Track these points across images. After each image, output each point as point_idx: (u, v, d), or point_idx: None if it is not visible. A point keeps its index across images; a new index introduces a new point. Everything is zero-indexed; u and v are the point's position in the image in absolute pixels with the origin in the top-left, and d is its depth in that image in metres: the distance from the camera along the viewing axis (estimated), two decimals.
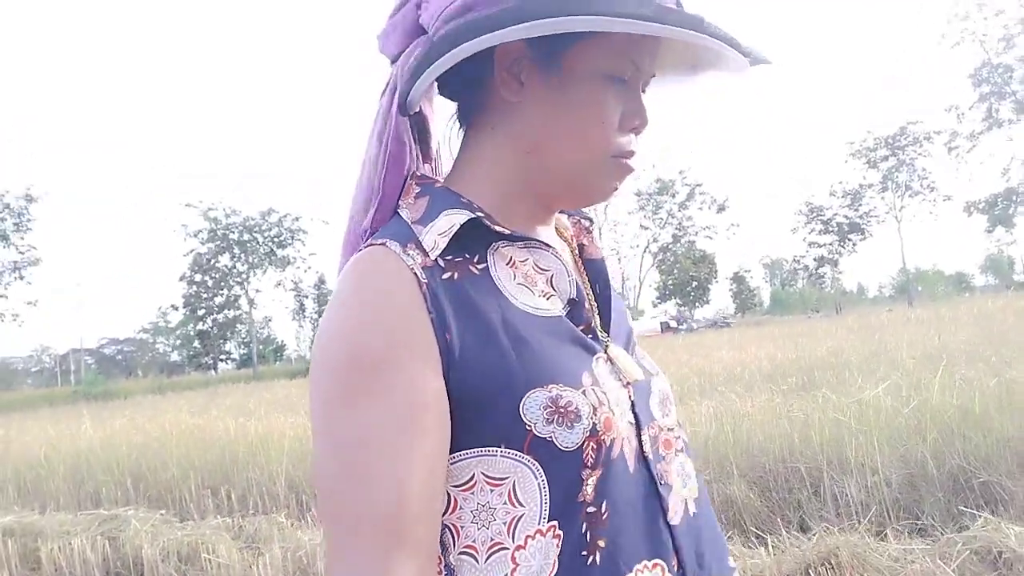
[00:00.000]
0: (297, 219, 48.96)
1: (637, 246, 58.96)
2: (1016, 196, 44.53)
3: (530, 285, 0.72)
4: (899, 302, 59.30)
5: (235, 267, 49.69)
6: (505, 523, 0.65)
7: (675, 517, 0.71)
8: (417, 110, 0.74)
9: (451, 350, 0.64)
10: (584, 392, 0.67)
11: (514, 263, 0.72)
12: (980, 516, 3.21)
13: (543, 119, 0.71)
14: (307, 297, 66.87)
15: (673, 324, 50.55)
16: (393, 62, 0.75)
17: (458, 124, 0.79)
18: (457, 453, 0.65)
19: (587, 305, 0.75)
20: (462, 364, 0.64)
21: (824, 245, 55.89)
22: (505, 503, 0.65)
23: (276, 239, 48.94)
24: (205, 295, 51.82)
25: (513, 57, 0.70)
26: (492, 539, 0.65)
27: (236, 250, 48.50)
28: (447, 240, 0.68)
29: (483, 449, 0.65)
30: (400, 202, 0.74)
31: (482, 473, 0.65)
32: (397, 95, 0.72)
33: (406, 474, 0.61)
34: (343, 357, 0.63)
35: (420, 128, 0.77)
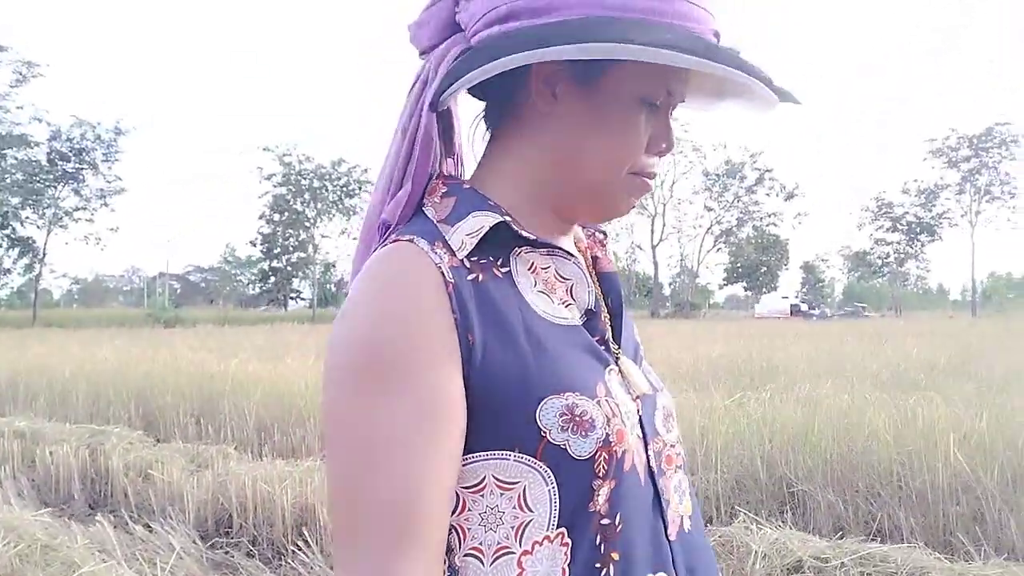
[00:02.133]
0: (366, 171, 50.64)
1: (700, 226, 58.48)
2: None
3: (549, 292, 0.72)
4: (972, 308, 57.02)
5: (305, 212, 51.71)
6: (513, 527, 0.65)
7: (672, 533, 0.73)
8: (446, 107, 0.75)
9: (473, 352, 0.64)
10: (599, 402, 0.67)
11: (536, 269, 0.73)
12: (740, 513, 3.80)
13: (574, 134, 0.72)
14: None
15: (804, 308, 48.93)
16: (422, 54, 0.76)
17: (485, 125, 0.79)
18: (469, 455, 0.65)
19: (602, 317, 0.76)
20: (483, 366, 0.64)
21: (891, 243, 54.34)
22: (514, 507, 0.65)
23: (344, 188, 50.68)
24: (280, 235, 54.08)
25: (551, 70, 0.71)
26: (499, 543, 0.65)
27: (307, 196, 50.49)
28: (475, 241, 0.68)
29: (496, 452, 0.65)
30: (425, 200, 0.74)
31: (493, 476, 0.65)
32: (431, 92, 0.71)
33: (421, 473, 0.61)
34: (365, 350, 0.63)
35: (445, 124, 0.77)
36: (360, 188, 50.82)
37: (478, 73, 0.67)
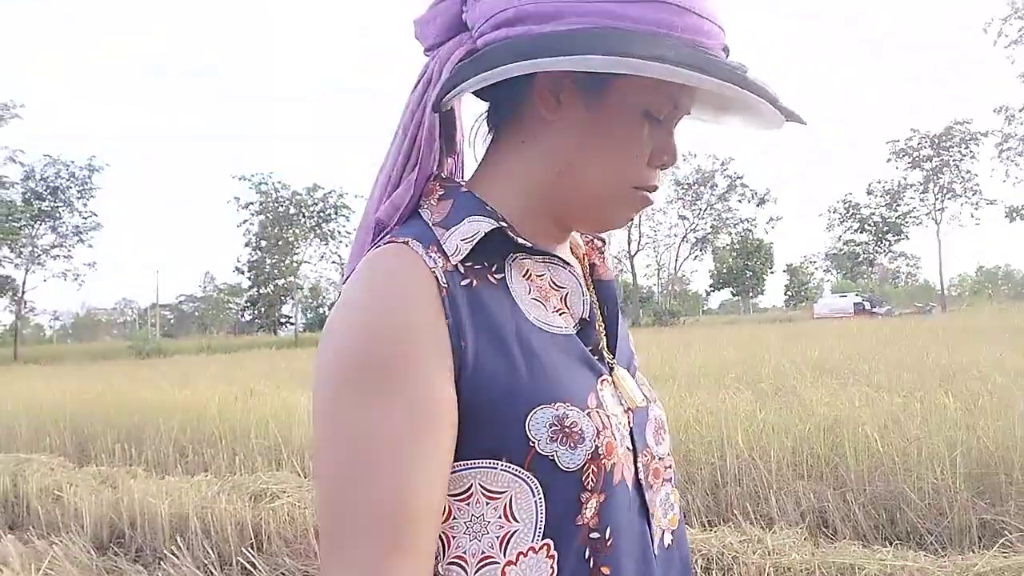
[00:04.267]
0: (342, 195, 51.19)
1: (675, 235, 59.29)
2: None
3: (543, 300, 0.72)
4: (958, 303, 57.59)
5: (284, 238, 52.28)
6: (498, 537, 0.64)
7: (656, 547, 0.73)
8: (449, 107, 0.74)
9: (465, 357, 0.64)
10: (589, 414, 0.67)
11: (531, 276, 0.72)
12: None
13: (577, 142, 0.71)
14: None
15: (868, 306, 46.68)
16: (427, 51, 0.76)
17: (486, 127, 0.78)
18: (457, 463, 0.64)
19: (597, 326, 0.76)
20: (474, 373, 0.64)
21: (860, 244, 55.28)
22: (500, 517, 0.64)
23: (321, 214, 51.26)
24: (267, 262, 54.62)
25: (556, 77, 0.70)
26: (483, 552, 0.64)
27: (283, 223, 51.10)
28: (470, 246, 0.68)
29: (484, 461, 0.64)
30: (422, 201, 0.73)
31: (480, 485, 0.64)
32: (434, 92, 0.71)
33: (412, 478, 0.60)
34: (358, 353, 0.62)
35: (447, 121, 0.76)
36: (336, 212, 51.46)
37: (483, 78, 0.67)
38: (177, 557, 4.51)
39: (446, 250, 0.68)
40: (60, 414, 8.90)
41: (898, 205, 52.80)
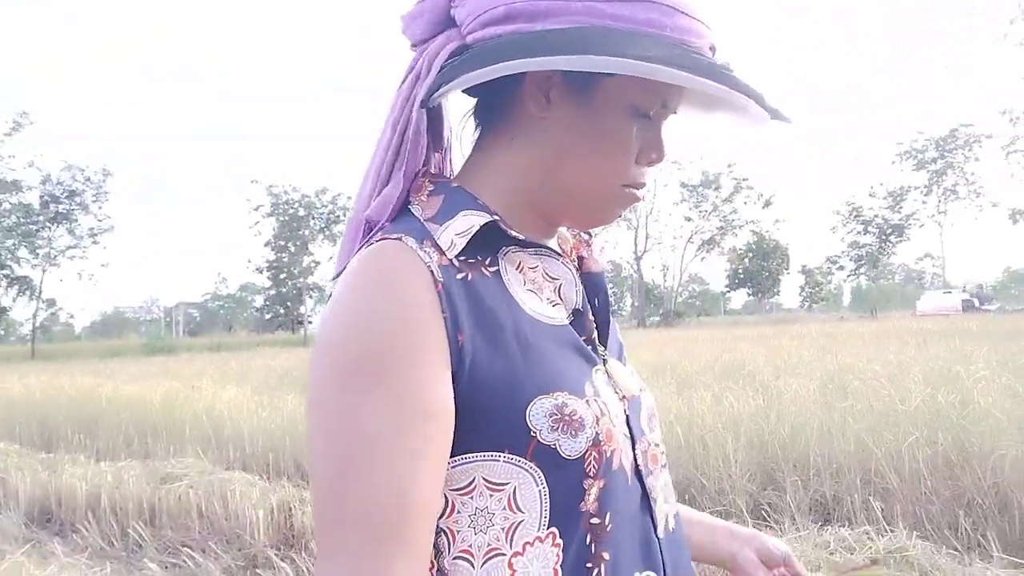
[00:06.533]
0: (349, 197, 52.03)
1: (680, 237, 59.65)
2: None
3: (538, 291, 0.72)
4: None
5: (300, 237, 53.57)
6: (503, 529, 0.64)
7: (660, 531, 0.73)
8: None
9: (462, 352, 0.64)
10: (587, 402, 0.67)
11: (523, 268, 0.73)
12: None
13: (566, 139, 0.72)
14: None
15: (976, 303, 44.53)
16: (414, 46, 0.76)
17: (474, 123, 0.78)
18: (458, 457, 0.64)
19: (589, 316, 0.76)
20: (472, 367, 0.64)
21: (864, 246, 55.32)
22: (504, 508, 0.64)
23: (330, 216, 52.43)
24: (287, 261, 55.88)
25: (545, 75, 0.70)
26: (489, 544, 0.64)
27: (294, 224, 52.30)
28: (465, 241, 0.68)
29: (486, 454, 0.64)
30: (411, 198, 0.73)
31: (483, 478, 0.64)
32: (423, 89, 0.71)
33: (409, 474, 0.60)
34: (355, 349, 0.62)
35: (434, 117, 0.76)
36: (344, 215, 52.45)
37: (472, 77, 0.67)
38: (86, 530, 5.25)
39: (440, 245, 0.68)
40: (31, 407, 9.74)
41: (900, 207, 52.86)
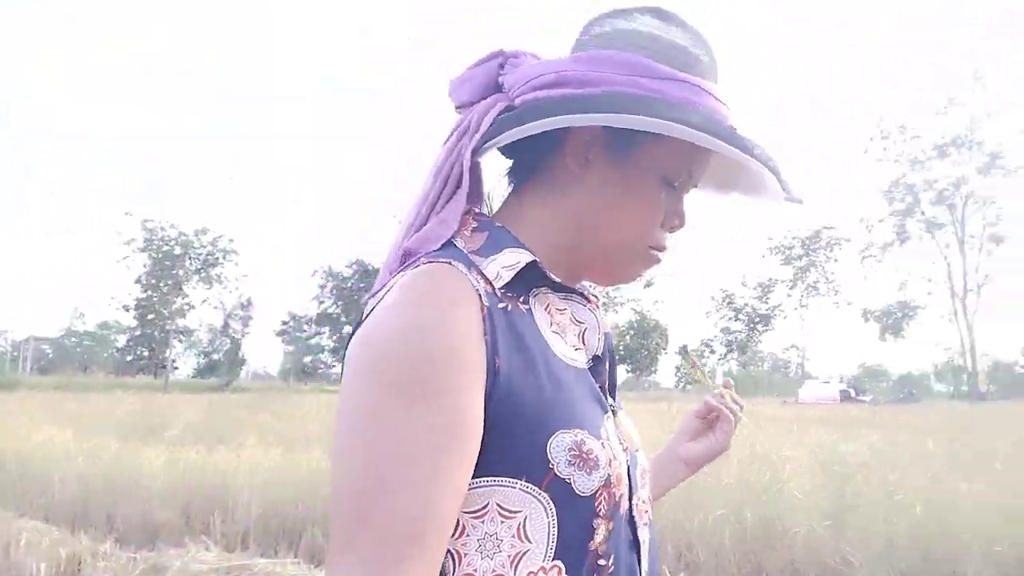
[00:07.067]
0: (232, 240, 50.54)
1: None
2: (908, 310, 47.19)
3: (561, 333, 0.75)
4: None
5: (173, 277, 50.88)
6: (509, 556, 0.65)
7: None
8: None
9: (498, 376, 0.65)
10: (603, 444, 0.70)
11: (551, 310, 0.76)
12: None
13: (601, 199, 0.77)
14: (232, 317, 67.39)
15: (852, 393, 45.26)
16: (458, 108, 0.81)
17: (508, 180, 0.83)
18: (476, 480, 0.65)
19: (606, 365, 0.79)
20: (505, 391, 0.65)
21: (734, 332, 58.43)
22: (513, 536, 0.65)
23: (208, 257, 50.30)
24: (154, 301, 52.73)
25: (588, 135, 0.76)
26: (494, 570, 0.65)
27: (167, 263, 49.82)
28: (512, 274, 0.71)
29: (503, 479, 0.65)
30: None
31: (497, 503, 0.65)
32: (476, 139, 0.75)
33: (436, 489, 0.61)
34: (406, 360, 0.63)
35: (473, 171, 0.80)
36: (224, 257, 50.58)
37: (529, 127, 0.72)
38: None
39: (487, 275, 0.71)
40: None
41: (768, 298, 56.34)
